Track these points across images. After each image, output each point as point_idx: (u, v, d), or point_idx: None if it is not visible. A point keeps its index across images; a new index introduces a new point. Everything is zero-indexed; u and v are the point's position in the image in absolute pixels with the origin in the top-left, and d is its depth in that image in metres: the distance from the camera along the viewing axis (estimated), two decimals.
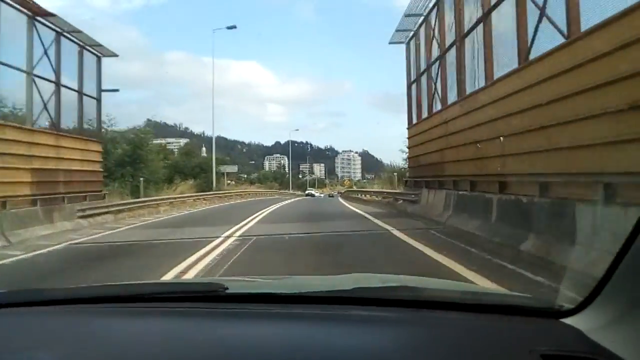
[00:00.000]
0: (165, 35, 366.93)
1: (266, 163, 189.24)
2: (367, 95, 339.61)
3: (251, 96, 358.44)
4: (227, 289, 1.19)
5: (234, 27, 33.91)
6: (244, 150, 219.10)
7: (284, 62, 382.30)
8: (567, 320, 0.98)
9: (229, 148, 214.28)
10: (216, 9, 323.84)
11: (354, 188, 50.02)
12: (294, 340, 0.96)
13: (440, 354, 0.89)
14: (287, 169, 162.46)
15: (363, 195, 25.95)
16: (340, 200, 29.39)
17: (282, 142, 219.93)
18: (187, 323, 1.07)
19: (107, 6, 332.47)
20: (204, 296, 1.22)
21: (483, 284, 4.42)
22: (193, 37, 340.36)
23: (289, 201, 27.41)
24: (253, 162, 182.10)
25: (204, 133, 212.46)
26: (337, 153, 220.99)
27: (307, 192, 62.12)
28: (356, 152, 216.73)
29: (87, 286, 1.61)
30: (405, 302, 1.13)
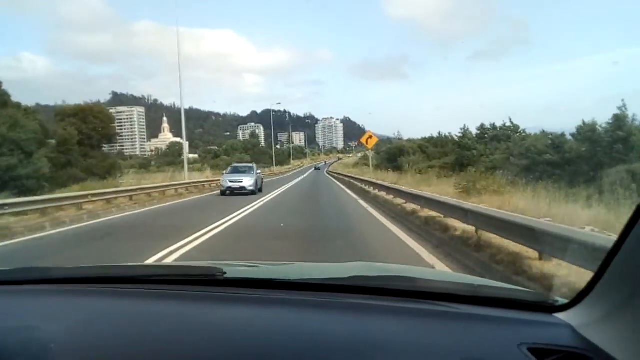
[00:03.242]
0: (133, 5, 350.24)
1: (239, 133, 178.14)
2: (346, 63, 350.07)
3: (227, 67, 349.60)
4: (225, 273, 1.22)
5: None
6: (220, 120, 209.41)
7: (260, 30, 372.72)
8: (560, 315, 1.00)
9: (202, 119, 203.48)
10: None
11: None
12: (289, 327, 0.99)
13: (434, 344, 0.91)
14: (260, 139, 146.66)
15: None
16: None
17: (259, 111, 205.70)
18: (184, 306, 1.11)
19: None
20: (202, 280, 1.25)
21: None
22: (164, 5, 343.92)
23: None
24: (228, 133, 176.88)
25: (174, 105, 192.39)
26: (317, 121, 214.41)
27: None
28: (337, 119, 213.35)
29: (88, 266, 1.62)
30: (403, 292, 1.13)
